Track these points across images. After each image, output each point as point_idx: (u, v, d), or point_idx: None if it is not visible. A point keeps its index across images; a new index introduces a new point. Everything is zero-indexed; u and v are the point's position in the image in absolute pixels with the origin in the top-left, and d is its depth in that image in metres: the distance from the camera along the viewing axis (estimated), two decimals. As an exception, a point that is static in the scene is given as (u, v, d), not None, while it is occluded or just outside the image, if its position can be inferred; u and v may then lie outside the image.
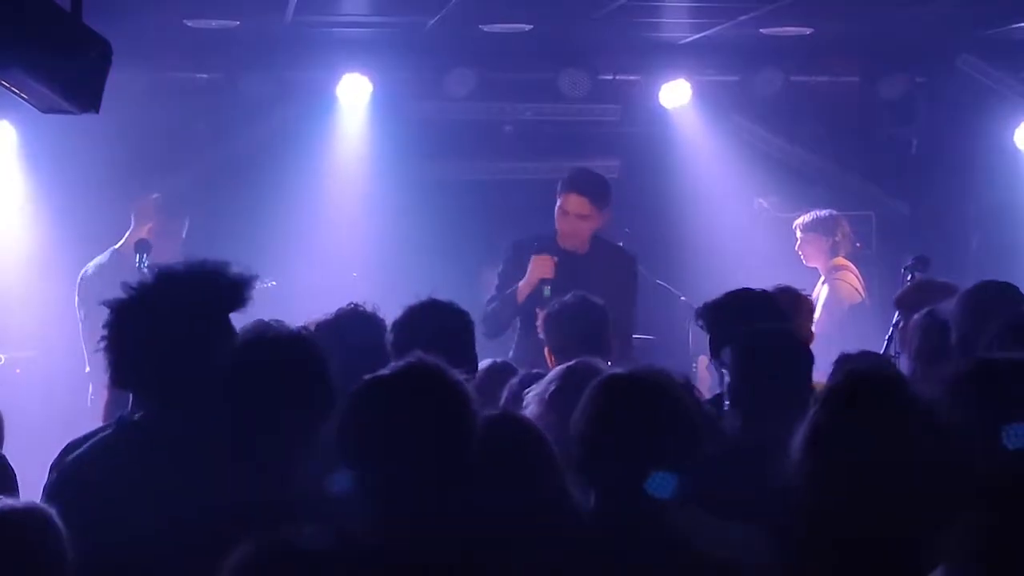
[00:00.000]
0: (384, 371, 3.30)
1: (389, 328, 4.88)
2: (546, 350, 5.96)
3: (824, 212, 9.51)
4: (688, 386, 3.77)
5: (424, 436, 3.16)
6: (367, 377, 3.30)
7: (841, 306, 9.14)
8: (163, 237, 8.87)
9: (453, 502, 3.16)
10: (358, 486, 3.18)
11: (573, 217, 7.84)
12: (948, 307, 4.82)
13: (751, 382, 4.35)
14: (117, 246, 8.91)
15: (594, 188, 7.96)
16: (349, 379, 3.43)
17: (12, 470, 4.33)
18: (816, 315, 8.64)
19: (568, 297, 6.09)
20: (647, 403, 3.35)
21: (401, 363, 3.31)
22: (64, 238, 9.75)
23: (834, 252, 9.35)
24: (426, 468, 3.15)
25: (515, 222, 8.78)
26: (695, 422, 3.35)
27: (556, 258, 7.69)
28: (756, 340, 4.49)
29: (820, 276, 9.35)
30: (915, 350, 4.85)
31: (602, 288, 7.55)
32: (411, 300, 5.01)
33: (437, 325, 4.80)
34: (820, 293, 9.06)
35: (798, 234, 9.44)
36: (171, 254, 8.88)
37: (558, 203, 7.87)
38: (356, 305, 4.96)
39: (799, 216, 9.82)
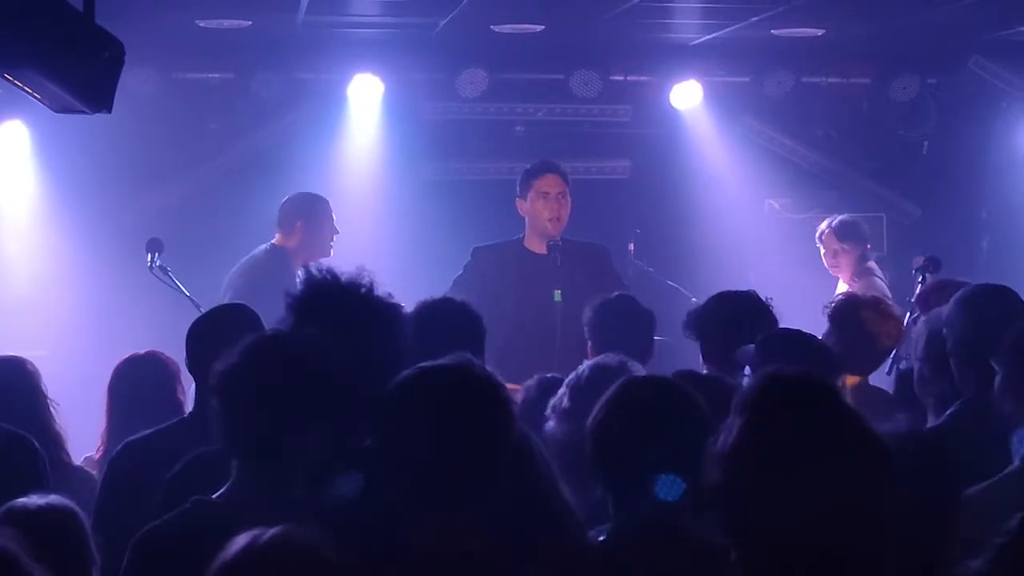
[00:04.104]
0: (431, 364, 3.27)
1: None
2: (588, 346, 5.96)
3: (847, 217, 9.28)
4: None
5: (467, 434, 3.16)
6: (415, 368, 3.27)
7: None
8: (312, 239, 8.43)
9: (482, 502, 3.16)
10: (386, 475, 3.18)
11: (555, 196, 7.81)
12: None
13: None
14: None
15: (561, 168, 7.99)
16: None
17: (43, 456, 4.36)
18: None
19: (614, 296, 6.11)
20: (658, 407, 3.38)
21: (450, 360, 3.29)
22: (76, 237, 9.79)
23: (863, 259, 9.10)
24: (464, 466, 3.15)
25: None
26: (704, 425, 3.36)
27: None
28: None
29: (832, 281, 9.21)
30: (921, 352, 4.83)
31: (578, 285, 7.59)
32: (422, 298, 5.02)
33: (448, 324, 4.80)
34: None
35: (833, 244, 9.09)
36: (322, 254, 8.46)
37: (530, 193, 7.81)
38: None
39: (808, 217, 9.77)
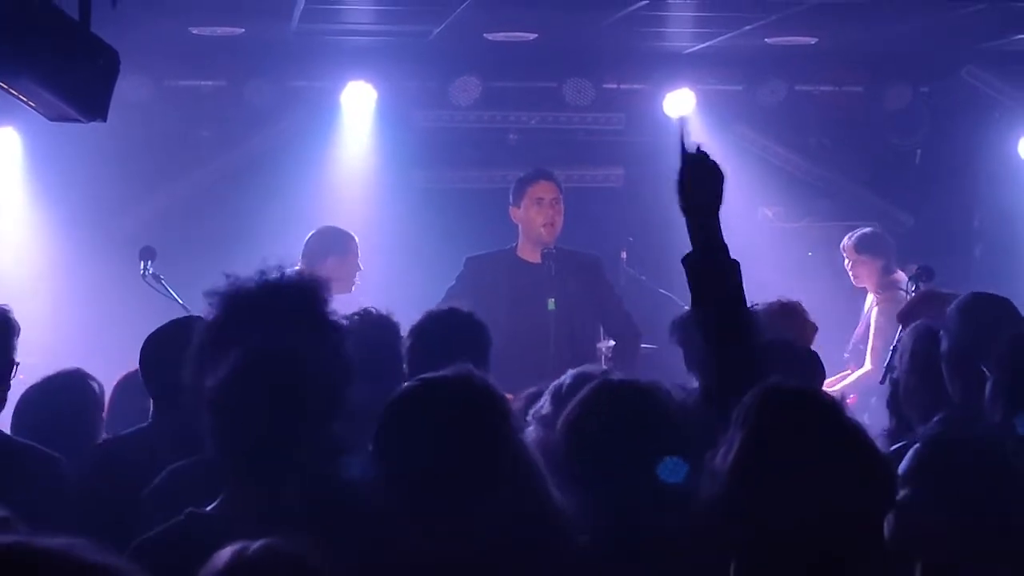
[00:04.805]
0: (433, 375, 3.35)
1: (407, 333, 4.90)
2: None
3: (868, 230, 9.21)
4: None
5: (466, 443, 3.21)
6: (417, 380, 3.35)
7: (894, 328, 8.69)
8: (340, 275, 8.23)
9: (481, 507, 3.19)
10: (387, 482, 3.21)
11: (550, 202, 7.79)
12: (939, 319, 4.80)
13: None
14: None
15: (555, 176, 7.97)
16: (365, 380, 3.45)
17: (71, 478, 4.35)
18: (870, 342, 8.57)
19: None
20: (631, 410, 3.41)
21: (451, 371, 3.35)
22: (68, 244, 9.77)
23: (886, 271, 9.00)
24: (463, 473, 3.19)
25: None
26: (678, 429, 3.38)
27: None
28: None
29: (846, 293, 9.14)
30: (906, 364, 4.83)
31: (571, 294, 7.59)
32: (426, 307, 5.03)
33: (456, 333, 4.80)
34: (872, 316, 8.81)
35: (852, 256, 9.04)
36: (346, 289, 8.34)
37: (525, 200, 7.77)
38: (368, 309, 5.00)
39: (801, 225, 9.73)
